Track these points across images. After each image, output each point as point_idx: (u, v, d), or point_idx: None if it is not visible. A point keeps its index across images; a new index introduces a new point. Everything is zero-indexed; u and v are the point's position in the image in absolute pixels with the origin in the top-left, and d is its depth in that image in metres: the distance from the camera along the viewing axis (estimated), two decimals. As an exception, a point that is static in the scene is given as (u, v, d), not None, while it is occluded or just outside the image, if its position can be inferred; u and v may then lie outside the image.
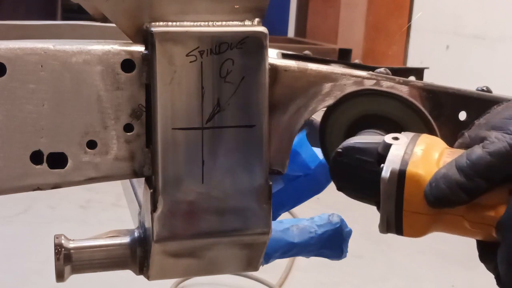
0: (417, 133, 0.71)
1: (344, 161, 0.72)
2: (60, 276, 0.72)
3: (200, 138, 0.70)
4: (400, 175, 0.65)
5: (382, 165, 0.67)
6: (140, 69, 0.69)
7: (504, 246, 0.62)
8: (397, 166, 0.66)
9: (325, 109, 0.78)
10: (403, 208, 0.66)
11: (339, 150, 0.72)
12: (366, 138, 0.73)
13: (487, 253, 0.67)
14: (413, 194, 0.65)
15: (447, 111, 0.81)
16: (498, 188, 0.63)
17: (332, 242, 0.88)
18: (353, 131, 0.77)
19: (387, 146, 0.69)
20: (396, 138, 0.69)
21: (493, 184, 0.63)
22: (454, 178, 0.63)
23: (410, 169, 0.66)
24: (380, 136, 0.73)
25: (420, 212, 0.65)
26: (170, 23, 0.70)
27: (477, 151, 0.64)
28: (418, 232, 0.67)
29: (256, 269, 0.78)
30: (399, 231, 0.67)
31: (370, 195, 0.70)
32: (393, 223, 0.67)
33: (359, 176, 0.71)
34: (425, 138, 0.70)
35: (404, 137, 0.69)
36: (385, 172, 0.66)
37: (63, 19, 4.84)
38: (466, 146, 0.68)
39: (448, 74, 3.38)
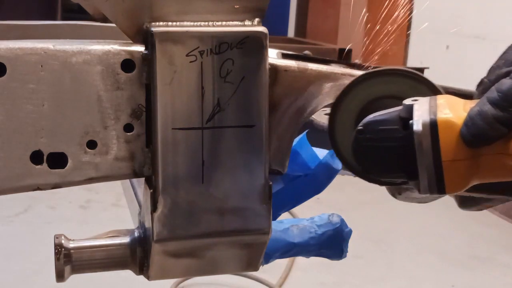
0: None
1: (367, 137, 0.70)
2: (60, 276, 0.72)
3: (200, 138, 0.70)
4: (432, 125, 0.64)
5: (411, 121, 0.65)
6: (140, 69, 0.69)
7: None
8: (427, 118, 0.65)
9: (326, 109, 0.78)
10: (441, 160, 0.64)
11: (360, 127, 0.70)
12: (383, 112, 0.70)
13: None
14: (449, 141, 0.64)
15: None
16: None
17: (332, 242, 0.87)
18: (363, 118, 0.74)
19: (409, 108, 0.67)
20: (415, 100, 0.68)
21: None
22: (490, 113, 0.62)
23: (441, 116, 0.64)
24: (396, 107, 0.70)
25: (459, 158, 0.64)
26: (170, 23, 0.70)
27: (506, 82, 0.63)
28: (461, 183, 0.64)
29: (256, 269, 0.78)
30: (441, 187, 0.65)
31: (402, 166, 0.67)
32: (434, 179, 0.65)
33: (386, 148, 0.69)
34: (443, 96, 0.69)
35: (423, 98, 0.68)
36: (417, 126, 0.65)
37: (63, 19, 4.84)
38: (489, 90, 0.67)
39: (448, 74, 3.38)
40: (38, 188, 0.69)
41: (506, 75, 0.65)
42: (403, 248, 2.91)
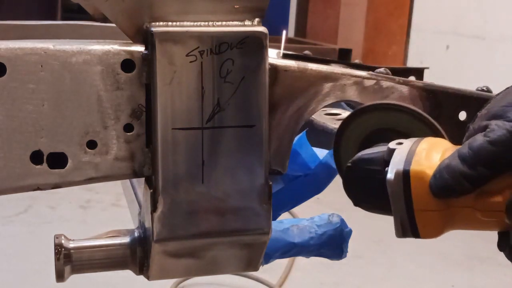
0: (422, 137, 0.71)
1: (355, 174, 0.72)
2: (60, 276, 0.72)
3: (200, 138, 0.70)
4: (405, 174, 0.65)
5: (386, 169, 0.67)
6: (140, 69, 0.69)
7: None
8: (400, 167, 0.66)
9: (326, 109, 0.78)
10: (413, 208, 0.66)
11: (349, 164, 0.73)
12: (374, 149, 0.73)
13: (503, 240, 0.66)
14: (420, 191, 0.65)
15: (447, 111, 0.81)
16: (503, 174, 0.63)
17: (332, 242, 0.87)
18: (366, 147, 0.77)
19: (391, 151, 0.69)
20: (400, 143, 0.69)
21: (496, 171, 0.62)
22: (457, 168, 0.63)
23: (414, 167, 0.66)
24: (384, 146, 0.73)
25: (431, 209, 0.65)
26: (170, 23, 0.70)
27: (478, 139, 0.63)
28: (434, 230, 0.66)
29: (256, 269, 0.78)
30: (415, 233, 0.67)
31: (384, 204, 0.69)
32: (408, 226, 0.67)
33: (370, 186, 0.71)
34: (429, 139, 0.70)
35: (408, 141, 0.70)
36: (390, 174, 0.66)
37: (63, 19, 4.83)
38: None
39: (448, 74, 3.38)
40: (38, 188, 0.69)
41: (482, 129, 0.65)
42: (403, 248, 2.91)
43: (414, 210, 0.66)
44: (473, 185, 0.63)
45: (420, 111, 0.76)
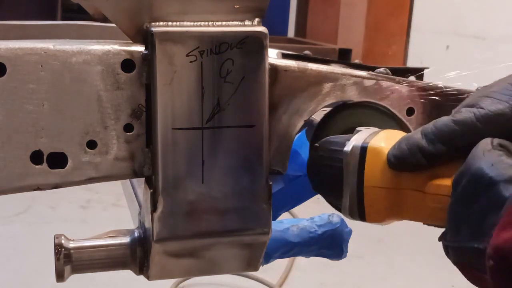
0: None
1: (319, 154, 0.72)
2: (60, 276, 0.72)
3: (200, 138, 0.70)
4: (362, 149, 0.66)
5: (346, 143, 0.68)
6: (140, 69, 0.69)
7: (450, 205, 0.59)
8: (359, 142, 0.67)
9: (326, 109, 0.79)
10: (364, 184, 0.66)
11: (316, 144, 0.73)
12: (344, 135, 0.73)
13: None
14: (374, 167, 0.65)
15: (447, 111, 0.81)
16: (457, 160, 0.61)
17: (332, 242, 0.88)
18: None
19: (356, 132, 0.69)
20: (367, 129, 0.70)
21: (453, 151, 0.62)
22: (416, 140, 0.63)
23: (372, 143, 0.66)
24: None
25: (381, 185, 0.65)
26: (170, 23, 0.70)
27: (444, 118, 0.63)
28: (380, 213, 0.66)
29: (256, 269, 0.78)
30: (361, 210, 0.66)
31: (338, 187, 0.69)
32: (355, 202, 0.66)
33: (331, 167, 0.70)
34: (391, 130, 0.71)
35: (376, 128, 0.70)
36: (347, 147, 0.67)
37: (63, 19, 4.84)
38: None
39: (448, 74, 3.38)
40: (38, 188, 0.69)
41: (452, 112, 0.65)
42: (403, 248, 2.91)
43: (364, 186, 0.66)
44: (427, 160, 0.62)
45: (389, 107, 0.77)
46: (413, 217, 0.66)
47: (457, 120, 0.62)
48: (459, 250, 0.58)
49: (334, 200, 0.72)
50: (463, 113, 0.63)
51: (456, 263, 0.60)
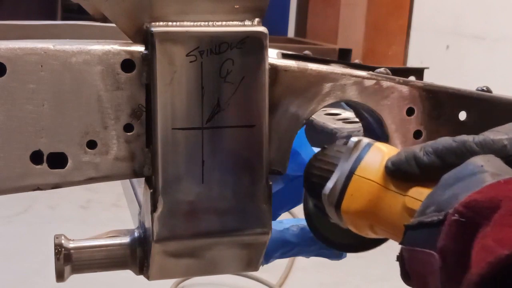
0: None
1: (317, 158, 0.75)
2: (60, 276, 0.73)
3: (200, 138, 0.70)
4: (368, 145, 0.69)
5: (352, 136, 0.71)
6: (140, 69, 0.69)
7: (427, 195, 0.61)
8: (367, 139, 0.70)
9: (326, 109, 0.79)
10: (354, 173, 0.68)
11: (321, 149, 0.75)
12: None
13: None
14: (371, 163, 0.68)
15: (447, 111, 0.81)
16: None
17: (332, 242, 0.87)
18: None
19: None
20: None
21: (446, 165, 0.63)
22: (414, 150, 0.66)
23: (378, 144, 0.69)
24: None
25: (370, 178, 0.67)
26: (170, 23, 0.70)
27: (447, 138, 0.65)
28: (356, 202, 0.67)
29: (256, 269, 0.78)
30: (340, 196, 0.68)
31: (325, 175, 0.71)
32: (340, 187, 0.68)
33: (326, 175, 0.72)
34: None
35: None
36: (355, 138, 0.70)
37: (63, 19, 4.84)
38: None
39: (448, 74, 3.38)
40: (38, 188, 0.69)
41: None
42: (403, 248, 2.91)
43: (354, 174, 0.68)
44: (419, 169, 0.64)
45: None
46: (384, 215, 0.67)
47: (456, 139, 0.65)
48: (416, 227, 0.62)
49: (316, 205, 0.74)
50: (465, 136, 0.65)
51: (406, 249, 0.66)
